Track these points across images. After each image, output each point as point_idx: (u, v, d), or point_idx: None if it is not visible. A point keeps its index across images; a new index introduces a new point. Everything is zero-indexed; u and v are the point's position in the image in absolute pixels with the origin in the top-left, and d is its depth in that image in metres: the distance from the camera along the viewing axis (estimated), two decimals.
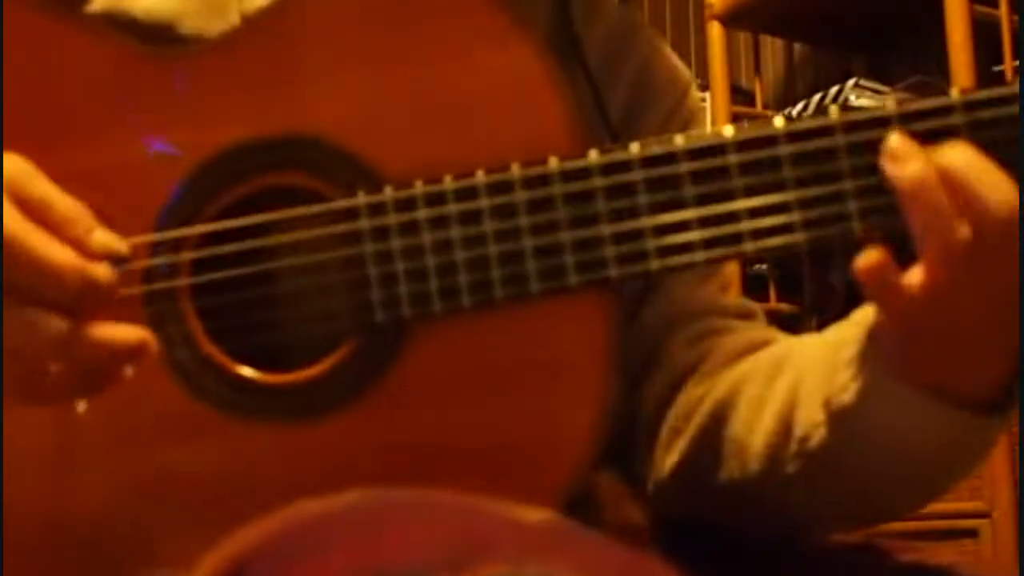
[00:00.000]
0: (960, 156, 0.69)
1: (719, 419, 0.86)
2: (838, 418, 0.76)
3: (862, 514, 0.83)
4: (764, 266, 2.65)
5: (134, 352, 0.70)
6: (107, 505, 0.76)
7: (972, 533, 2.15)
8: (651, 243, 0.73)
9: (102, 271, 0.70)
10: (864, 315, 0.77)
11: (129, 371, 0.70)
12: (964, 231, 0.67)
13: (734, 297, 0.98)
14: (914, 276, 0.70)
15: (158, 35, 0.81)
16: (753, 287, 2.68)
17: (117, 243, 0.72)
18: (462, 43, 0.76)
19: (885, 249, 0.70)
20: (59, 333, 0.68)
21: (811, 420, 0.78)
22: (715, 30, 2.81)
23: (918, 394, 0.73)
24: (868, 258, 0.69)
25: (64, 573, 0.76)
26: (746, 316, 0.96)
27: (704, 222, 0.72)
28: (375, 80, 0.76)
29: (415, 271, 0.74)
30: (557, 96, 0.75)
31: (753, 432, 0.83)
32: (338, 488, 0.64)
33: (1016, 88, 0.71)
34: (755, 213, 0.72)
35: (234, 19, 0.83)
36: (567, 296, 0.74)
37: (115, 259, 0.72)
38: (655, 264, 0.73)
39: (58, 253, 0.69)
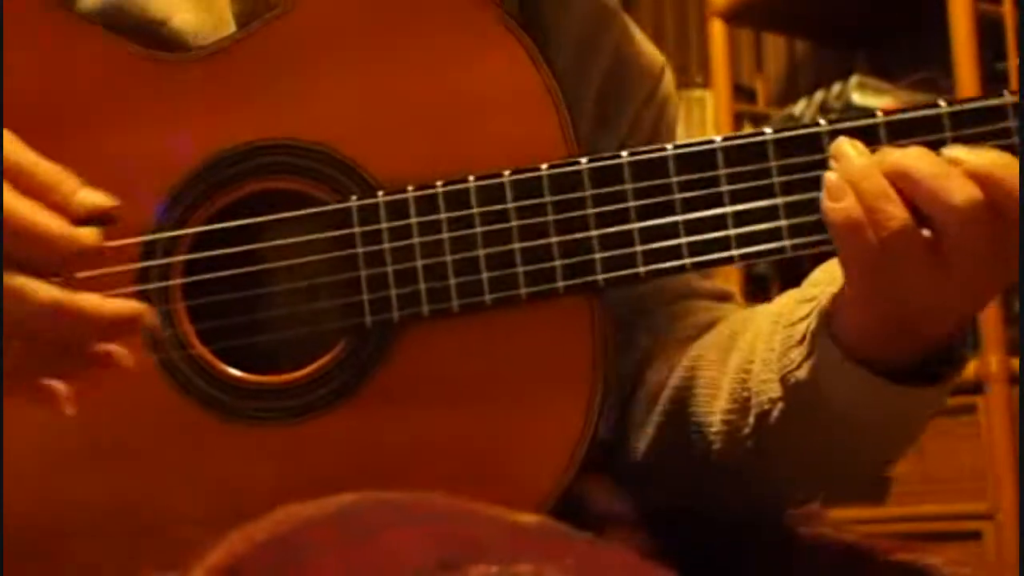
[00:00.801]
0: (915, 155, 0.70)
1: (680, 403, 0.87)
2: (793, 393, 0.78)
3: (815, 483, 0.85)
4: (765, 266, 2.65)
5: (125, 323, 0.69)
6: (96, 505, 0.75)
7: (976, 535, 2.15)
8: (639, 248, 0.73)
9: (89, 234, 0.70)
10: (813, 290, 0.79)
11: (124, 358, 0.70)
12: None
13: (711, 280, 0.98)
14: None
15: (152, 30, 0.81)
16: (755, 287, 2.68)
17: (102, 199, 0.71)
18: (458, 50, 0.77)
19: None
20: (48, 299, 0.67)
21: (768, 396, 0.79)
22: (717, 28, 2.81)
23: (864, 368, 0.74)
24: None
25: (53, 574, 0.76)
26: (722, 298, 0.96)
27: (691, 227, 0.73)
28: (370, 86, 0.77)
29: (405, 273, 0.74)
30: (551, 103, 0.76)
31: (712, 413, 0.84)
32: (328, 489, 0.63)
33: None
34: (742, 218, 0.73)
35: (227, 14, 0.83)
36: (555, 299, 0.74)
37: (103, 218, 0.71)
38: (642, 269, 0.73)
39: (46, 219, 0.69)
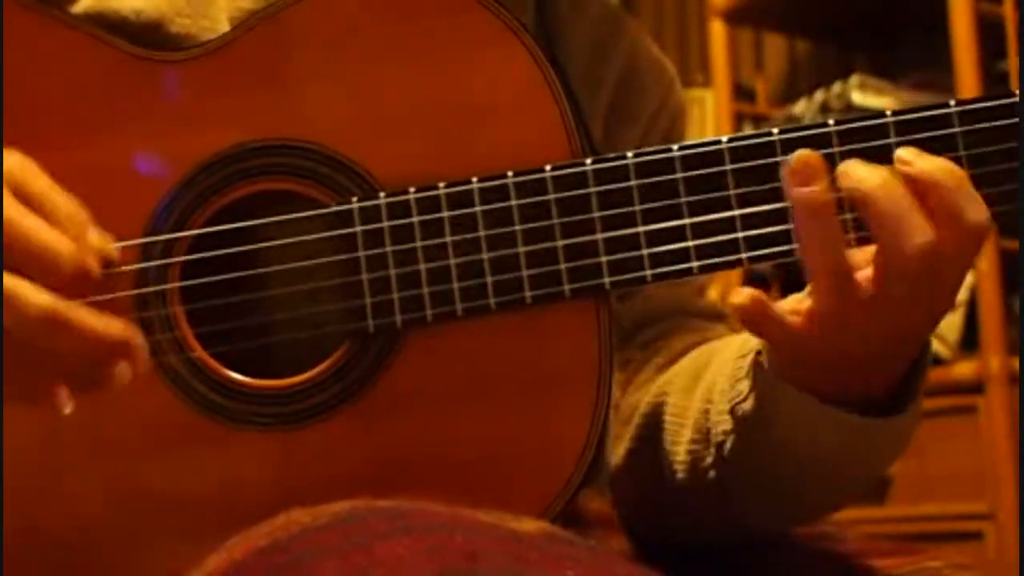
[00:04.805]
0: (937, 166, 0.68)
1: (651, 431, 0.86)
2: (742, 425, 0.77)
3: (780, 516, 0.83)
4: (766, 266, 2.64)
5: (119, 347, 0.68)
6: (95, 511, 0.75)
7: (976, 535, 2.15)
8: (645, 251, 0.72)
9: (95, 263, 0.69)
10: None
11: (124, 373, 0.69)
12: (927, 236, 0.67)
13: (707, 299, 0.98)
14: (796, 305, 0.71)
15: (148, 35, 0.80)
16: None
17: (109, 246, 0.72)
18: (458, 49, 0.76)
19: (756, 286, 0.71)
20: (39, 307, 0.66)
21: (722, 427, 0.79)
22: (717, 28, 2.80)
23: (813, 401, 0.73)
24: (741, 297, 0.70)
25: None
26: (715, 318, 0.95)
27: (699, 230, 0.72)
28: (370, 86, 0.76)
29: (408, 276, 0.74)
30: (554, 102, 0.75)
31: (678, 443, 0.83)
32: (329, 495, 0.63)
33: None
34: (750, 221, 0.72)
35: (221, 19, 0.83)
36: (561, 304, 0.73)
37: (105, 262, 0.71)
38: (649, 272, 0.72)
39: (55, 237, 0.68)
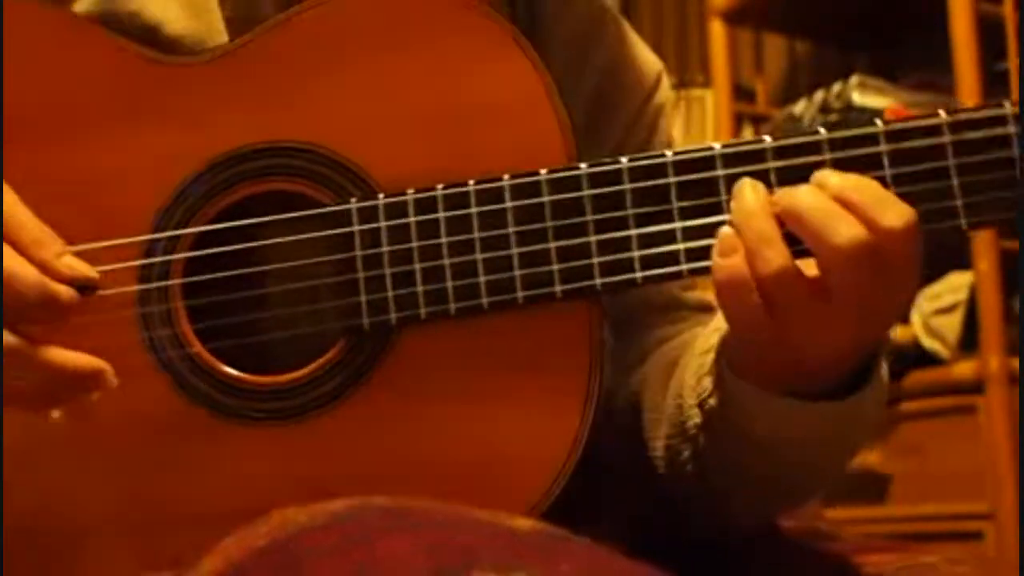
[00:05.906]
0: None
1: (629, 425, 0.87)
2: (710, 419, 0.78)
3: (761, 505, 0.84)
4: None
5: (89, 378, 0.71)
6: (92, 506, 0.76)
7: (976, 535, 2.15)
8: (636, 253, 0.73)
9: (63, 290, 0.71)
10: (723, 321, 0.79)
11: (95, 396, 0.71)
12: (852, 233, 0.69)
13: (694, 292, 0.99)
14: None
15: (145, 37, 0.81)
16: None
17: (86, 269, 0.73)
18: (459, 55, 0.77)
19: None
20: (9, 347, 0.68)
21: (694, 422, 0.80)
22: (717, 28, 2.80)
23: (773, 396, 0.74)
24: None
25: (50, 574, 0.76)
26: (701, 310, 0.96)
27: (690, 233, 0.73)
28: (372, 90, 0.77)
29: (403, 275, 0.75)
30: (551, 109, 0.76)
31: (655, 438, 0.84)
32: (324, 491, 0.63)
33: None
34: None
35: (217, 23, 0.84)
36: (553, 305, 0.74)
37: (83, 285, 0.73)
38: (639, 275, 0.73)
39: (21, 266, 0.70)
